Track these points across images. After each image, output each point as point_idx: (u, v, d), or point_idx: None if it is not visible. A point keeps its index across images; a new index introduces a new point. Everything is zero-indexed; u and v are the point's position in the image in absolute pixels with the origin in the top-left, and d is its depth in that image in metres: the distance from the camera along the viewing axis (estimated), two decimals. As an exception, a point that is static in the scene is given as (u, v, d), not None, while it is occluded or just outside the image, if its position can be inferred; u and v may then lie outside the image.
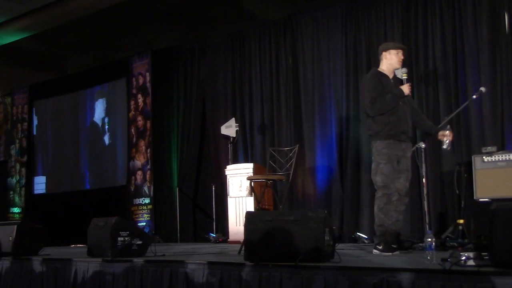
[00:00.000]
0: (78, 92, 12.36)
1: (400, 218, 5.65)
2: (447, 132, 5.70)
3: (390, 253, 5.26)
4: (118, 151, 11.51)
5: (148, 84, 10.81)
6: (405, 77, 5.67)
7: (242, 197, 8.41)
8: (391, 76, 5.75)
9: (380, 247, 5.33)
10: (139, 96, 10.93)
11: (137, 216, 10.70)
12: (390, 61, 5.73)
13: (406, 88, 5.57)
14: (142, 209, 10.65)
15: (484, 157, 6.50)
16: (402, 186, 5.60)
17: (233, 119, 9.52)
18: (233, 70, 10.01)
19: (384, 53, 5.78)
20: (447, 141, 5.68)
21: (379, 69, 5.80)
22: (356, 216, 8.15)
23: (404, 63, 7.03)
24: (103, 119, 11.89)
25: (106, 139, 11.81)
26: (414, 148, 6.51)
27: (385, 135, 5.51)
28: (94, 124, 12.04)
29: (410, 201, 7.52)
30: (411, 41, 7.96)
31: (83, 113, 12.27)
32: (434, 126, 5.99)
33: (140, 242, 5.50)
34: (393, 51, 5.73)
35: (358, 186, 8.24)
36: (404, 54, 5.81)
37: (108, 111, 11.82)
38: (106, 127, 11.83)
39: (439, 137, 5.74)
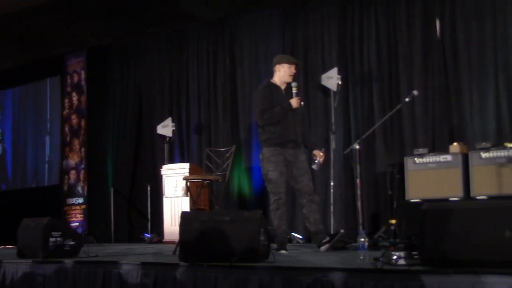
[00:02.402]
0: (13, 89, 12.11)
1: (318, 217, 5.80)
2: (321, 153, 5.92)
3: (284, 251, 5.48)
4: (54, 150, 11.30)
5: (83, 82, 10.64)
6: (295, 91, 5.84)
7: (177, 197, 8.35)
8: (283, 87, 5.91)
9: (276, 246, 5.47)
10: (74, 94, 10.74)
11: (70, 216, 10.51)
12: (283, 74, 5.88)
13: (294, 102, 5.76)
14: (76, 209, 10.47)
15: (415, 159, 6.64)
16: (307, 187, 5.78)
17: (170, 118, 9.43)
18: (170, 69, 9.94)
19: (277, 65, 5.93)
20: (317, 161, 5.89)
21: (271, 80, 5.96)
22: (291, 216, 8.19)
23: (339, 65, 7.14)
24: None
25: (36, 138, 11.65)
26: (349, 149, 6.61)
27: (272, 143, 5.73)
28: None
29: (344, 201, 7.68)
30: (347, 43, 8.07)
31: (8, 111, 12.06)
32: (314, 143, 6.24)
33: (72, 243, 5.41)
34: (286, 65, 5.89)
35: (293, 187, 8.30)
36: (296, 69, 5.98)
37: (35, 110, 11.67)
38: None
39: (313, 156, 5.95)
